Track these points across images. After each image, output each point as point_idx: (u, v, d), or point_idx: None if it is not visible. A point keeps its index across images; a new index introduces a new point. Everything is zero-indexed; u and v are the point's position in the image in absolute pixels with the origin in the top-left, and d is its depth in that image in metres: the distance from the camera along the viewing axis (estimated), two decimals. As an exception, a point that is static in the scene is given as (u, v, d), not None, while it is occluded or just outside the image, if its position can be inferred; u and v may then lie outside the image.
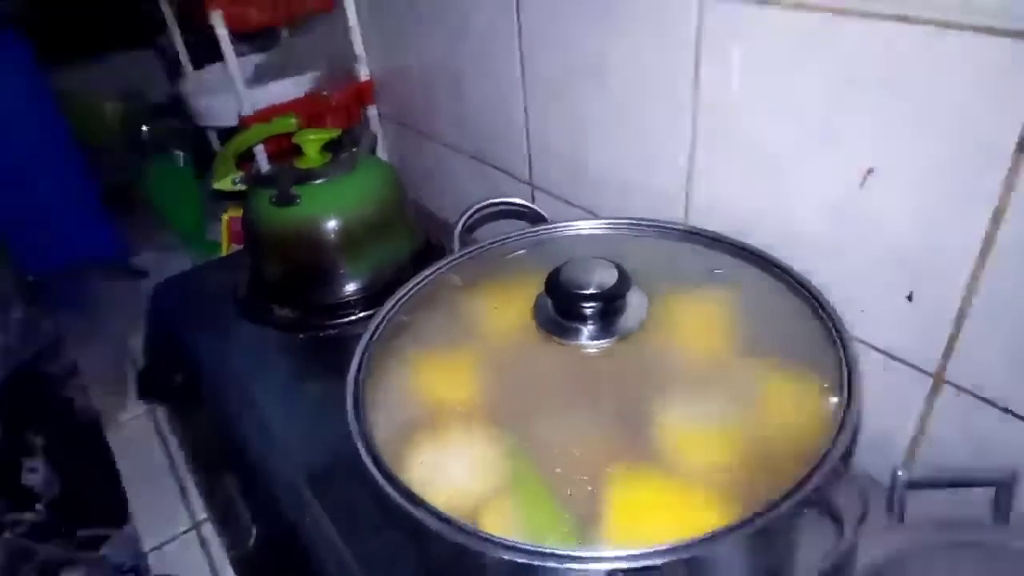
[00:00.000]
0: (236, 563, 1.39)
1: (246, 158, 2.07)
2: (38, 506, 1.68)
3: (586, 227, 1.19)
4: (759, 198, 1.16)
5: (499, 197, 1.33)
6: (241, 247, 1.91)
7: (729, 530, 0.68)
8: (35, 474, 1.74)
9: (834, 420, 0.78)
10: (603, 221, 1.20)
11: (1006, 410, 0.97)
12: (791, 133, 1.07)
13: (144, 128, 2.33)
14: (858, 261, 1.06)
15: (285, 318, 1.51)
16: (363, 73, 2.22)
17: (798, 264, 1.03)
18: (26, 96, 2.18)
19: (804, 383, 0.86)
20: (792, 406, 0.84)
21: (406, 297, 1.08)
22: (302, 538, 1.06)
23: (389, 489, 0.76)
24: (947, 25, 0.84)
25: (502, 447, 0.82)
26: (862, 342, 1.10)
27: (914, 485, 0.95)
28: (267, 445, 1.22)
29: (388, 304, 1.06)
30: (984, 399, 0.99)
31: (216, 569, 1.47)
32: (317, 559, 1.03)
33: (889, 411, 1.11)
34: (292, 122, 1.68)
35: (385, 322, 1.03)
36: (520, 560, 0.69)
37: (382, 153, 2.38)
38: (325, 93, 2.13)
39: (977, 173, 0.88)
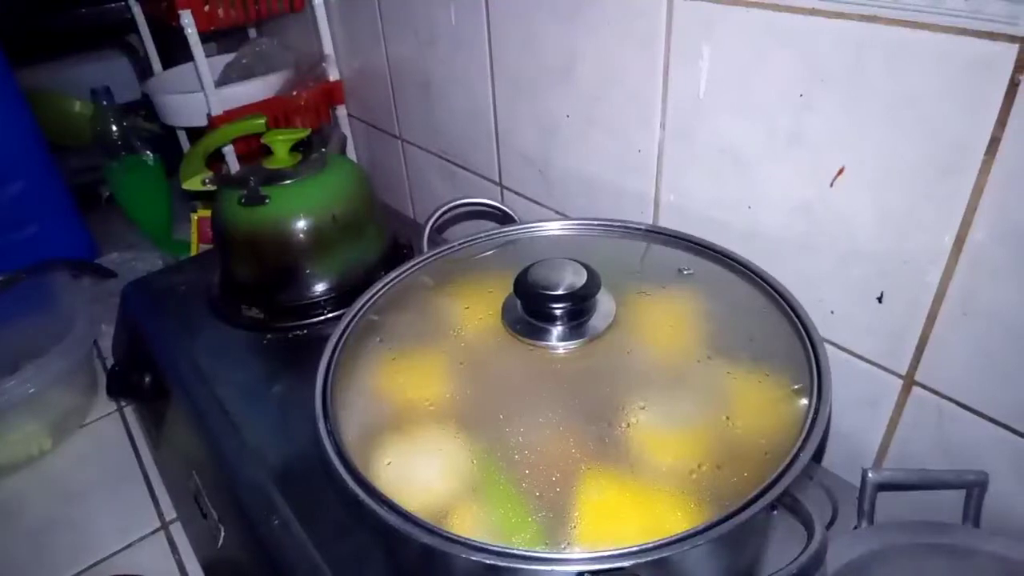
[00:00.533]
0: (205, 564, 1.39)
1: (216, 158, 2.07)
2: None
3: (555, 228, 1.19)
4: (729, 198, 1.16)
5: (468, 197, 1.33)
6: (210, 247, 1.90)
7: (698, 532, 0.68)
8: None
9: (804, 421, 0.78)
10: (572, 221, 1.19)
11: (977, 412, 0.97)
12: (760, 132, 1.07)
13: (113, 128, 2.32)
14: (828, 262, 1.06)
15: (254, 318, 1.50)
16: (332, 73, 2.22)
17: (768, 264, 1.03)
18: (-6, 94, 2.18)
19: (773, 384, 0.86)
20: (761, 407, 0.84)
21: (375, 298, 1.08)
22: (271, 539, 1.06)
23: (358, 490, 0.76)
24: (917, 26, 0.84)
25: (471, 448, 0.82)
26: (832, 343, 1.11)
27: (884, 487, 0.95)
28: (236, 445, 1.21)
29: (357, 304, 1.06)
30: (955, 401, 0.99)
31: (185, 570, 1.47)
32: (286, 560, 1.02)
33: (859, 413, 1.11)
34: (261, 122, 1.67)
35: (354, 323, 1.03)
36: (488, 561, 0.68)
37: (351, 154, 2.38)
38: (294, 93, 2.13)
39: (947, 174, 0.88)
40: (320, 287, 1.49)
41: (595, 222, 1.19)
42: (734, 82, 1.08)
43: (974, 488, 0.94)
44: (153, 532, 1.55)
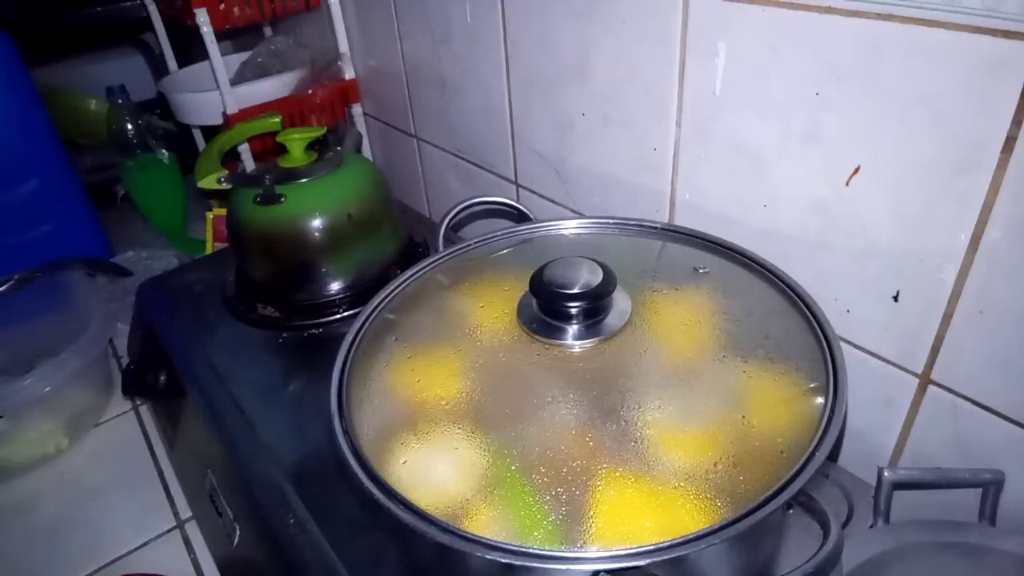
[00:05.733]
0: (220, 562, 1.39)
1: (231, 157, 2.07)
2: None
3: (571, 226, 1.19)
4: (744, 196, 1.16)
5: (484, 196, 1.33)
6: (226, 246, 1.91)
7: (714, 531, 0.68)
8: None
9: (819, 420, 0.78)
10: (588, 220, 1.20)
11: (993, 411, 0.97)
12: (776, 130, 1.07)
13: (129, 126, 2.32)
14: (844, 260, 1.06)
15: (269, 317, 1.51)
16: (348, 72, 2.22)
17: (784, 263, 1.03)
18: (10, 93, 2.17)
19: (789, 383, 0.86)
20: (777, 406, 0.84)
21: (391, 296, 1.08)
22: (286, 538, 1.06)
23: (373, 489, 0.76)
24: (933, 24, 0.84)
25: (486, 447, 0.82)
26: (847, 342, 1.10)
27: (900, 486, 0.95)
28: (251, 444, 1.21)
29: (373, 303, 1.06)
30: (971, 400, 0.99)
31: (200, 569, 1.47)
32: (301, 559, 1.03)
33: (875, 411, 1.11)
34: (276, 121, 1.68)
35: (370, 321, 1.03)
36: (504, 560, 0.68)
37: (367, 152, 2.38)
38: (310, 92, 2.13)
39: (963, 173, 0.88)
40: (336, 286, 1.50)
41: (611, 220, 1.19)
42: (750, 80, 1.08)
43: (990, 487, 0.94)
44: (169, 531, 1.55)
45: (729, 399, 0.85)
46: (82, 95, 2.80)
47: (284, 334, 1.48)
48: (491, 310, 1.02)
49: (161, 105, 2.40)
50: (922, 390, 1.05)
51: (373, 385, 0.93)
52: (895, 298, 1.02)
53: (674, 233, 1.16)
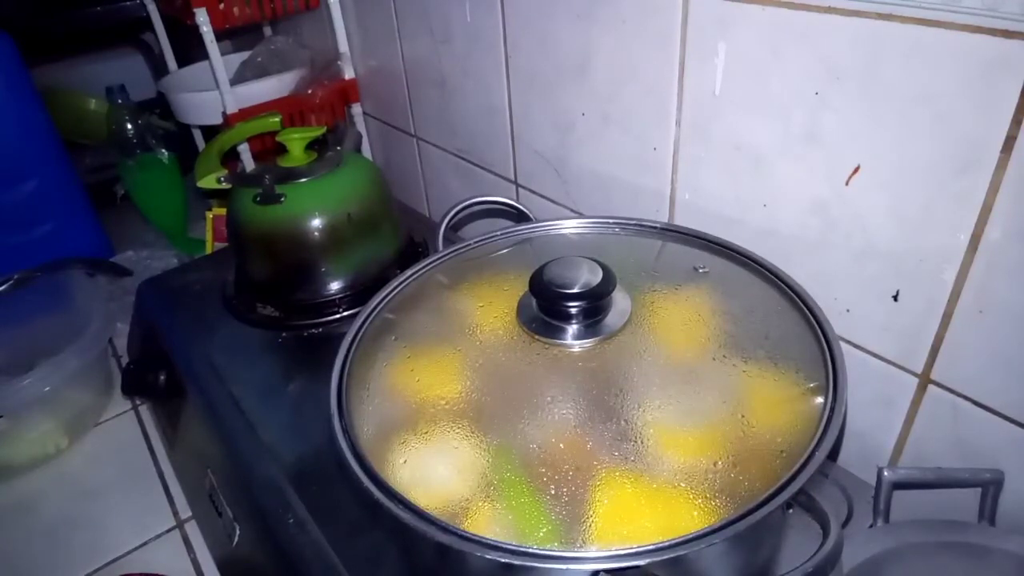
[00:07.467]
0: (220, 562, 1.39)
1: (231, 156, 2.07)
2: None
3: (571, 226, 1.19)
4: (744, 196, 1.16)
5: (484, 196, 1.33)
6: (226, 246, 1.90)
7: (713, 530, 0.68)
8: None
9: (819, 420, 0.78)
10: (588, 220, 1.19)
11: (992, 410, 0.97)
12: (776, 130, 1.07)
13: (129, 126, 2.32)
14: (843, 260, 1.06)
15: (269, 317, 1.51)
16: (348, 71, 2.21)
17: (783, 263, 1.02)
18: (10, 93, 2.17)
19: (789, 383, 0.86)
20: (777, 406, 0.84)
21: (390, 296, 1.08)
22: (286, 537, 1.06)
23: (373, 489, 0.76)
24: (933, 24, 0.84)
25: (486, 447, 0.82)
26: (847, 341, 1.10)
27: (900, 485, 0.95)
28: (251, 444, 1.21)
29: (372, 303, 1.06)
30: (970, 399, 0.99)
31: (200, 568, 1.47)
32: (301, 559, 1.03)
33: (874, 411, 1.11)
34: (276, 120, 1.68)
35: (369, 321, 1.03)
36: (504, 560, 0.68)
37: (367, 152, 2.37)
38: (309, 91, 2.12)
39: (963, 172, 0.88)
40: (335, 285, 1.50)
41: (611, 220, 1.19)
42: (750, 80, 1.08)
43: (989, 487, 0.94)
44: (168, 531, 1.55)
45: (729, 399, 0.85)
46: (82, 95, 2.80)
47: (284, 334, 1.48)
48: (491, 310, 1.02)
49: (161, 105, 2.40)
50: (922, 390, 1.04)
51: (373, 385, 0.93)
52: (895, 298, 1.02)
53: (674, 233, 1.16)
